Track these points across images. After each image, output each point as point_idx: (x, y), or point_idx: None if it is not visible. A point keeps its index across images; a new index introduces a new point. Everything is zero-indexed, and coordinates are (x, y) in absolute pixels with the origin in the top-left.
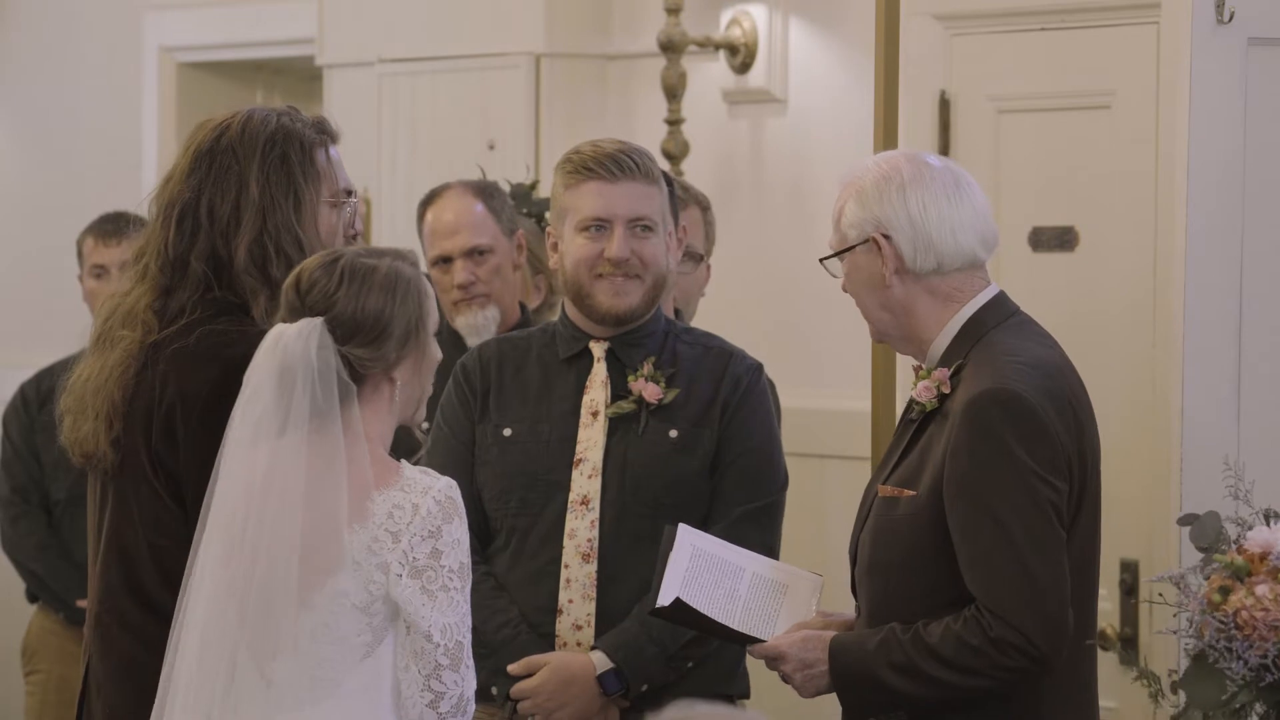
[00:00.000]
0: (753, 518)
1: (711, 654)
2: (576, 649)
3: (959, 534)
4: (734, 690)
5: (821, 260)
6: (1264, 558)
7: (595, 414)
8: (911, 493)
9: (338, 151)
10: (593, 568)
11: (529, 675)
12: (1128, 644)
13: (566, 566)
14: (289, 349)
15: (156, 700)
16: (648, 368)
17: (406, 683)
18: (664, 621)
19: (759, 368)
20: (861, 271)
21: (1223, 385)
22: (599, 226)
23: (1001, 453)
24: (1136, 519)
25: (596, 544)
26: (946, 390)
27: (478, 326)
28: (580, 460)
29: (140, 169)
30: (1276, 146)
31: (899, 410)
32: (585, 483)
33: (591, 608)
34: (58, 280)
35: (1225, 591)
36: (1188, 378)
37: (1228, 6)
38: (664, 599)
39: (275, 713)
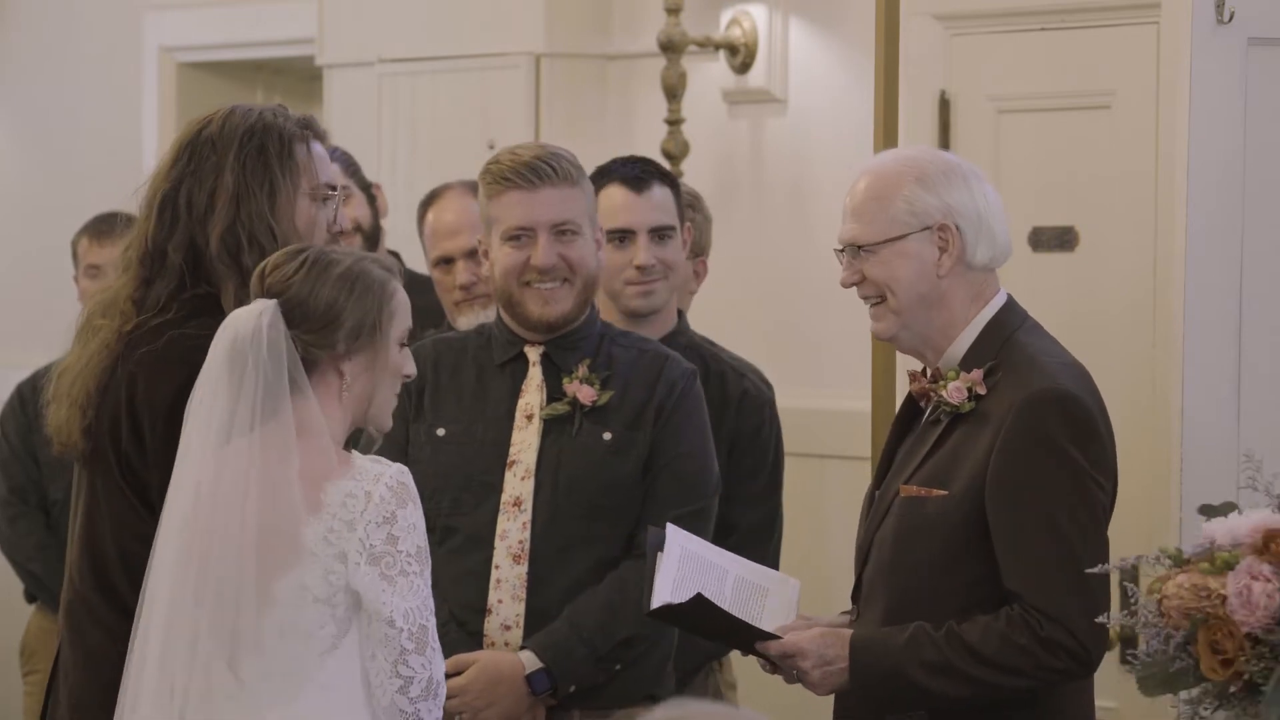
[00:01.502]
0: (684, 522)
1: (639, 656)
2: (505, 649)
3: (1007, 534)
4: (661, 691)
5: (867, 246)
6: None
7: (530, 417)
8: (942, 492)
9: (322, 148)
10: (523, 569)
11: (457, 674)
12: (1128, 644)
13: (497, 567)
14: (240, 325)
15: (118, 702)
16: (582, 370)
17: (374, 671)
18: (595, 623)
19: (694, 372)
20: (910, 260)
21: (1223, 385)
22: (523, 236)
23: (1057, 454)
24: (1136, 519)
25: (528, 545)
26: (982, 391)
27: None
28: (514, 462)
29: (140, 169)
30: (1276, 146)
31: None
32: (518, 484)
33: (521, 608)
34: (57, 280)
35: (1164, 582)
36: (1188, 378)
37: (1228, 6)
38: (666, 597)
39: (250, 712)
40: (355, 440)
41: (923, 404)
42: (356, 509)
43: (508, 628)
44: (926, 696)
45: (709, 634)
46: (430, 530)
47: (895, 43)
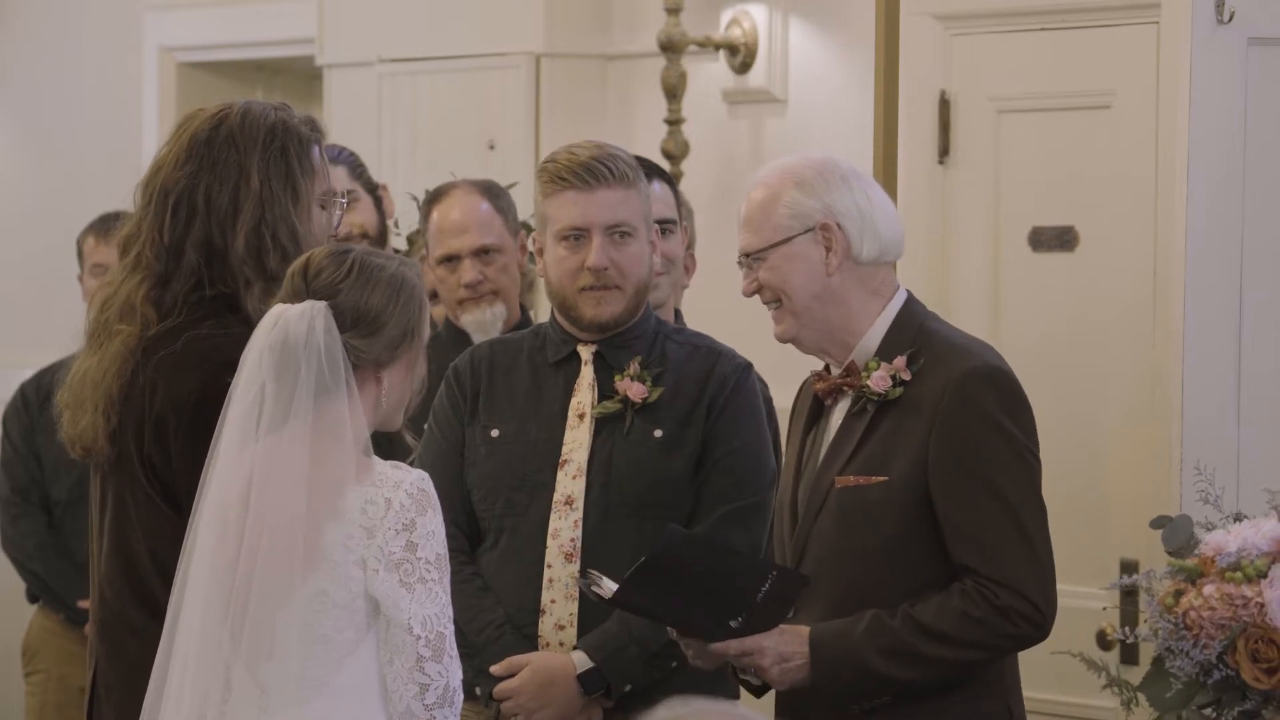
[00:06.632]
0: (737, 517)
1: None
2: (560, 649)
3: (955, 509)
4: (723, 693)
5: (756, 253)
6: (1214, 560)
7: (582, 416)
8: (882, 479)
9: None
10: (575, 567)
11: (511, 675)
12: (1128, 645)
13: (549, 566)
14: (291, 328)
15: (146, 701)
16: (634, 367)
17: (391, 677)
18: (648, 621)
19: (748, 367)
20: (798, 262)
21: (1223, 385)
22: (577, 236)
23: (997, 428)
24: (1136, 519)
25: (580, 544)
26: (906, 378)
27: (485, 323)
28: (565, 461)
29: (140, 169)
30: (1276, 146)
31: None
32: (569, 483)
33: (574, 608)
34: (58, 280)
35: (1179, 595)
36: (1188, 378)
37: (1228, 6)
38: (616, 583)
39: (266, 714)
40: (402, 453)
41: (828, 402)
42: (376, 516)
43: (561, 627)
44: (889, 683)
45: (673, 612)
46: (487, 531)
47: (895, 43)
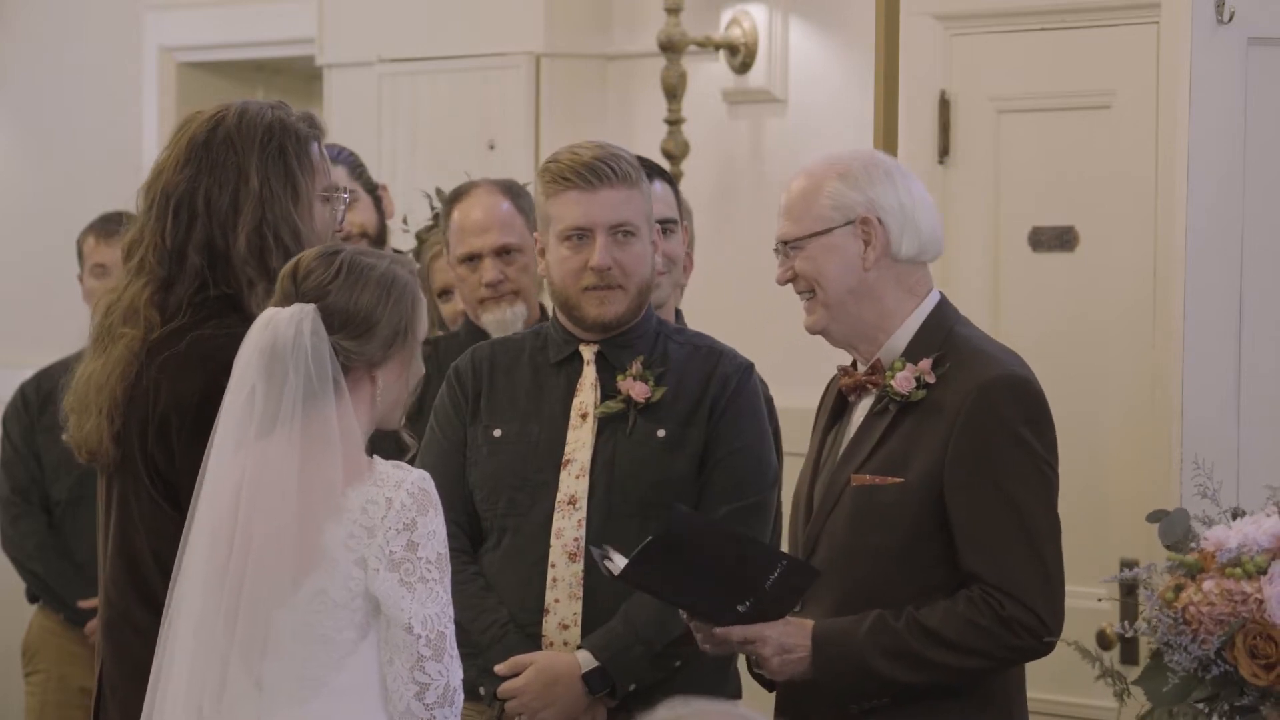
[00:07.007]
0: (739, 517)
1: (698, 653)
2: (563, 649)
3: (967, 516)
4: (725, 692)
5: (794, 241)
6: (1214, 555)
7: (585, 415)
8: (897, 480)
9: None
10: (579, 567)
11: (515, 675)
12: (1128, 644)
13: (553, 566)
14: (279, 332)
15: (145, 700)
16: (636, 367)
17: (391, 676)
18: (650, 620)
19: (749, 367)
20: (835, 254)
21: (1223, 385)
22: (580, 236)
23: (1017, 438)
24: (1136, 519)
25: (583, 544)
26: (931, 380)
27: (506, 322)
28: (568, 461)
29: (140, 169)
30: (1276, 146)
31: None
32: (573, 483)
33: (578, 607)
34: (58, 280)
35: (1179, 589)
36: (1188, 378)
37: (1228, 6)
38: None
39: (265, 714)
40: (402, 447)
41: (851, 398)
42: (377, 515)
43: (565, 627)
44: (890, 684)
45: (681, 591)
46: (489, 531)
47: (895, 43)
